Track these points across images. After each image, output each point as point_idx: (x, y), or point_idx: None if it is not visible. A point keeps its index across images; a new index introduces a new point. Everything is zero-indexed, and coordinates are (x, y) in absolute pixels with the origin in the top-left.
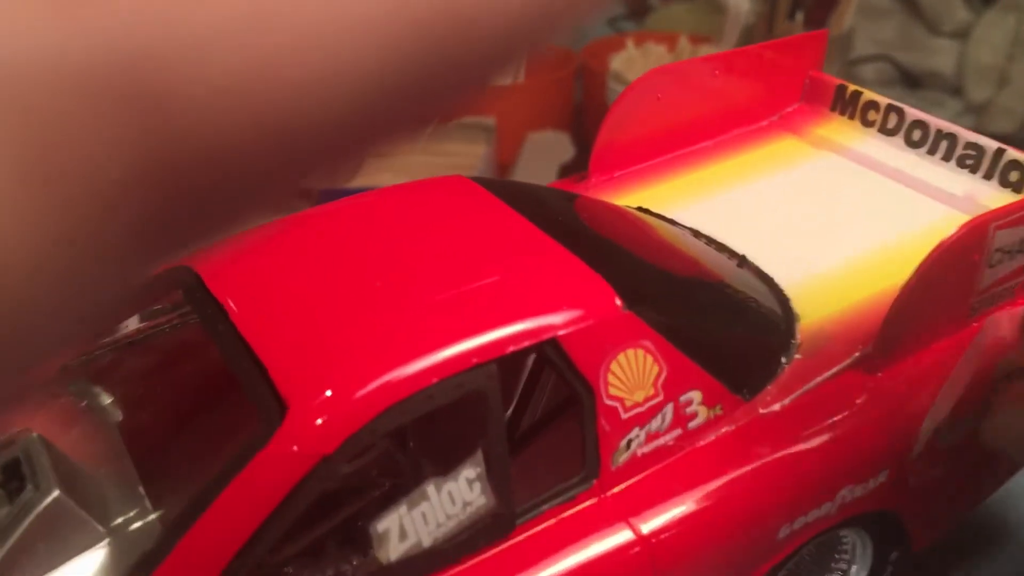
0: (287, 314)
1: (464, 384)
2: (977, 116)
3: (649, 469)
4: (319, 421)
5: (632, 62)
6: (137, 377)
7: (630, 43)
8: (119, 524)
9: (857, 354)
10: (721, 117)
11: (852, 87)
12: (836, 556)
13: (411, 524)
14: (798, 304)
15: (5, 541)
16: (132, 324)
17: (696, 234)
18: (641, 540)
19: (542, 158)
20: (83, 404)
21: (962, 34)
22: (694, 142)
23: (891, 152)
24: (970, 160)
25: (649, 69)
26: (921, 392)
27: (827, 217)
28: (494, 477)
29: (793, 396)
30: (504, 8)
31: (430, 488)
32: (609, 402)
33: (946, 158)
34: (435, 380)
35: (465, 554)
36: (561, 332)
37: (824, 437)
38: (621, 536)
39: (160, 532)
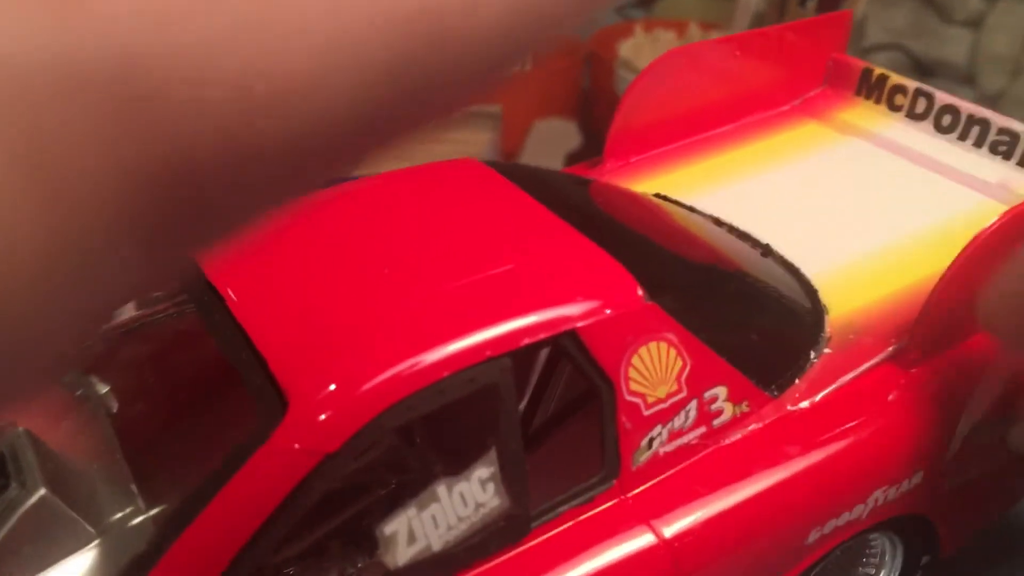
0: (289, 304)
1: (476, 378)
2: (991, 106)
3: (672, 469)
4: (322, 417)
5: (641, 49)
6: (132, 367)
7: (639, 30)
8: (110, 524)
9: (891, 348)
10: (741, 101)
11: (878, 70)
12: (864, 560)
13: (420, 526)
14: (827, 296)
15: None
16: (128, 311)
17: (718, 222)
18: (664, 544)
19: (548, 146)
20: (76, 394)
21: (976, 23)
22: (713, 127)
23: (920, 138)
24: (1003, 146)
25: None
26: (958, 389)
27: (854, 205)
28: (508, 477)
29: (823, 392)
30: (489, 13)
31: (440, 488)
32: (630, 398)
33: (978, 144)
34: (446, 374)
35: (477, 558)
36: (580, 324)
37: (856, 436)
38: (643, 540)
39: (153, 533)
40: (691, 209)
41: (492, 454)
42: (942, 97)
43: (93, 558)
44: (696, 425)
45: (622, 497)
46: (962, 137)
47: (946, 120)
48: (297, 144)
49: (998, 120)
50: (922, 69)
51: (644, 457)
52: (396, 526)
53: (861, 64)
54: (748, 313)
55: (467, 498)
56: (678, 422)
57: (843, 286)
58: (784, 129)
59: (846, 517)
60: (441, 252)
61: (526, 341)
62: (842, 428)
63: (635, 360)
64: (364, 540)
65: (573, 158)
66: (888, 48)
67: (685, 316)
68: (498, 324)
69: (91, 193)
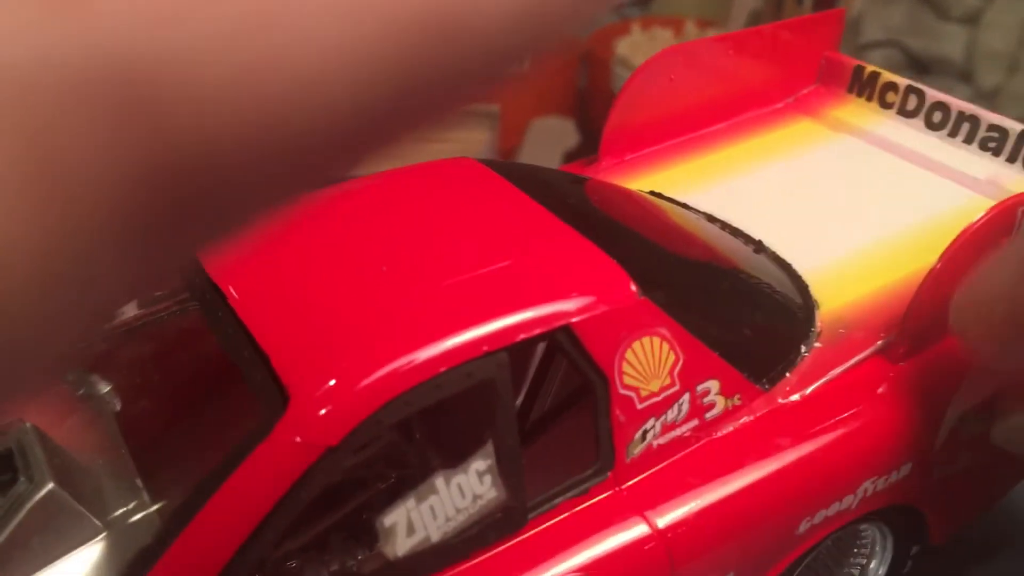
0: (290, 300)
1: (474, 373)
2: (987, 103)
3: (665, 461)
4: (323, 411)
5: (638, 47)
6: (136, 365)
7: (636, 28)
8: (116, 517)
9: (880, 342)
10: (735, 99)
11: (870, 68)
12: (855, 551)
13: (419, 518)
14: (817, 291)
15: None
16: (130, 311)
17: (711, 219)
18: (657, 534)
19: (546, 145)
20: (79, 393)
21: (972, 19)
22: (707, 124)
23: (911, 135)
24: (993, 143)
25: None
26: (946, 382)
27: (846, 202)
28: (505, 469)
29: (814, 386)
30: (497, 10)
31: (439, 481)
32: (624, 392)
33: (968, 140)
34: (443, 369)
35: (475, 549)
36: (575, 319)
37: (846, 428)
38: (636, 530)
39: (158, 526)
40: (685, 206)
41: (489, 447)
42: (933, 94)
43: (100, 551)
44: (689, 418)
45: (616, 489)
46: (952, 134)
47: (937, 117)
48: (298, 143)
49: (988, 117)
50: (919, 66)
51: (638, 449)
52: (395, 518)
53: (853, 62)
54: (740, 308)
55: (465, 490)
56: (671, 415)
57: (834, 281)
58: (777, 127)
59: (836, 508)
60: (438, 249)
61: (522, 336)
62: (832, 420)
63: (629, 354)
64: (364, 532)
65: (570, 156)
66: (885, 45)
67: (678, 311)
68: (494, 320)
69: (89, 193)
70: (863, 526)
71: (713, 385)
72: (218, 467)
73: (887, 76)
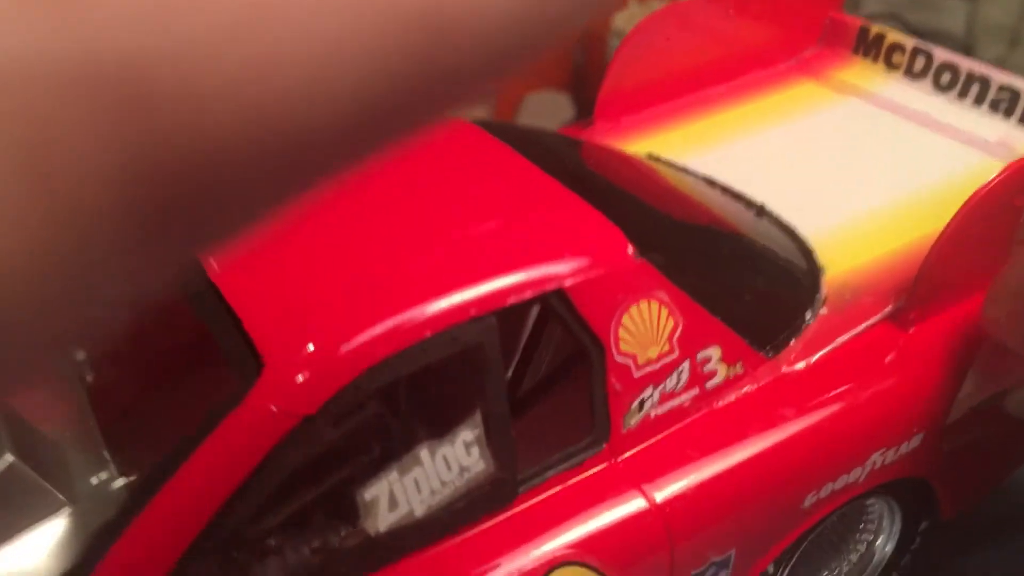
0: (268, 265)
1: (460, 338)
2: None
3: (663, 432)
4: (300, 378)
5: (634, 20)
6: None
7: (633, 2)
8: (82, 491)
9: (888, 308)
10: (734, 60)
11: (876, 28)
12: (861, 526)
13: (402, 492)
14: (823, 256)
15: None
16: None
17: (710, 182)
18: (655, 509)
19: (541, 119)
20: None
21: None
22: (706, 86)
23: (918, 96)
24: (1004, 104)
25: None
26: (958, 349)
27: (852, 165)
28: (494, 440)
29: (820, 353)
30: (497, 9)
31: (423, 452)
32: (620, 359)
33: (978, 102)
34: (428, 334)
35: (462, 524)
36: (568, 282)
37: (854, 397)
38: (633, 504)
39: (126, 498)
40: (683, 169)
41: (477, 416)
42: (940, 55)
43: (64, 525)
44: (688, 387)
45: (613, 461)
46: (962, 95)
47: (945, 78)
48: (297, 140)
49: (998, 77)
50: (918, 39)
51: (635, 420)
52: (377, 491)
53: (858, 22)
54: (741, 273)
55: (451, 462)
56: (670, 384)
57: (840, 246)
58: (780, 89)
59: (843, 481)
60: (428, 212)
61: (512, 300)
62: (839, 390)
63: (625, 319)
64: (344, 507)
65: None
66: (884, 18)
67: (677, 275)
68: (483, 283)
69: (85, 186)
70: (870, 501)
71: (714, 352)
72: (189, 438)
73: (893, 37)
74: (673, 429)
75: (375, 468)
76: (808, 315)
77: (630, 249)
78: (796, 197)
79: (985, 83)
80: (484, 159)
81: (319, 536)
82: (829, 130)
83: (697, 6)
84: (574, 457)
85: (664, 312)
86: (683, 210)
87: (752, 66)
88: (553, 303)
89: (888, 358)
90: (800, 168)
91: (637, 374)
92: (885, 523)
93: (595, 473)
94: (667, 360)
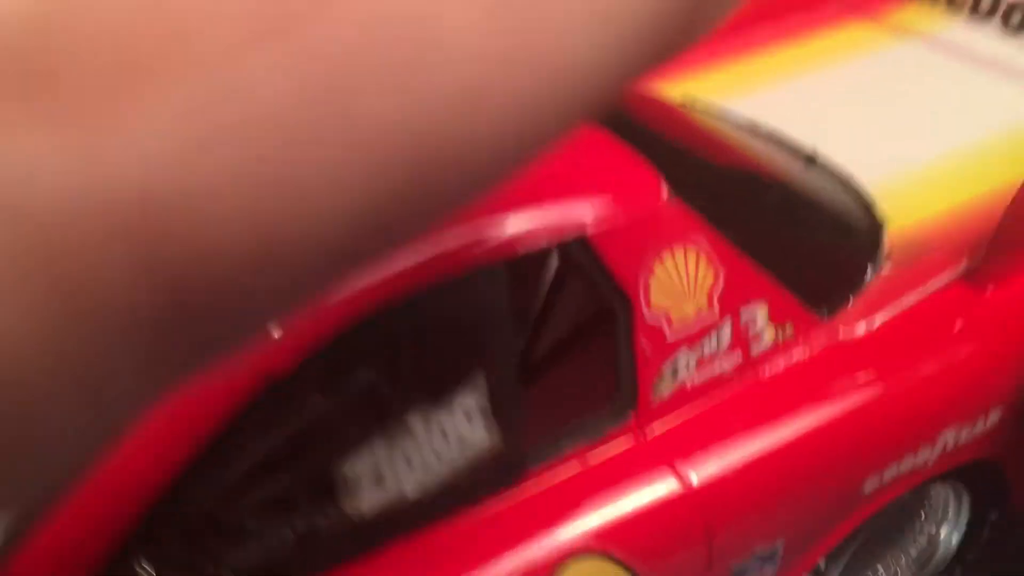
0: None
1: (461, 292)
2: None
3: (700, 403)
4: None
5: None
6: None
7: None
8: None
9: (962, 265)
10: None
11: None
12: (922, 515)
13: (389, 467)
14: (885, 207)
15: None
16: None
17: (753, 128)
18: (689, 492)
19: None
20: None
21: None
22: (750, 26)
23: (985, 39)
24: None
25: None
26: None
27: (912, 111)
28: (499, 408)
29: (883, 315)
30: (490, 141)
31: (415, 421)
32: (650, 316)
33: None
34: (424, 286)
35: (460, 505)
36: (591, 230)
37: (923, 367)
38: (665, 486)
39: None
40: (723, 114)
41: (480, 381)
42: None
43: None
44: (730, 351)
45: (640, 435)
46: None
47: (1016, 18)
48: (298, 260)
49: None
50: None
51: (667, 388)
52: (359, 467)
53: None
54: (790, 224)
55: (448, 433)
56: (708, 347)
57: (904, 197)
58: (830, 30)
59: (910, 463)
60: None
61: (522, 248)
62: (905, 358)
63: (657, 270)
64: (321, 485)
65: None
66: None
67: (718, 222)
68: (490, 228)
69: (105, 311)
70: (935, 487)
71: (760, 311)
72: None
73: None
74: (712, 400)
75: (358, 440)
76: (868, 272)
77: (664, 191)
78: (851, 145)
79: None
80: None
81: (296, 519)
82: (886, 74)
83: None
84: (594, 430)
85: (703, 263)
86: (723, 155)
87: (800, 4)
88: (575, 253)
89: (961, 322)
90: (855, 114)
91: (670, 335)
92: (950, 512)
93: (619, 449)
94: (705, 319)
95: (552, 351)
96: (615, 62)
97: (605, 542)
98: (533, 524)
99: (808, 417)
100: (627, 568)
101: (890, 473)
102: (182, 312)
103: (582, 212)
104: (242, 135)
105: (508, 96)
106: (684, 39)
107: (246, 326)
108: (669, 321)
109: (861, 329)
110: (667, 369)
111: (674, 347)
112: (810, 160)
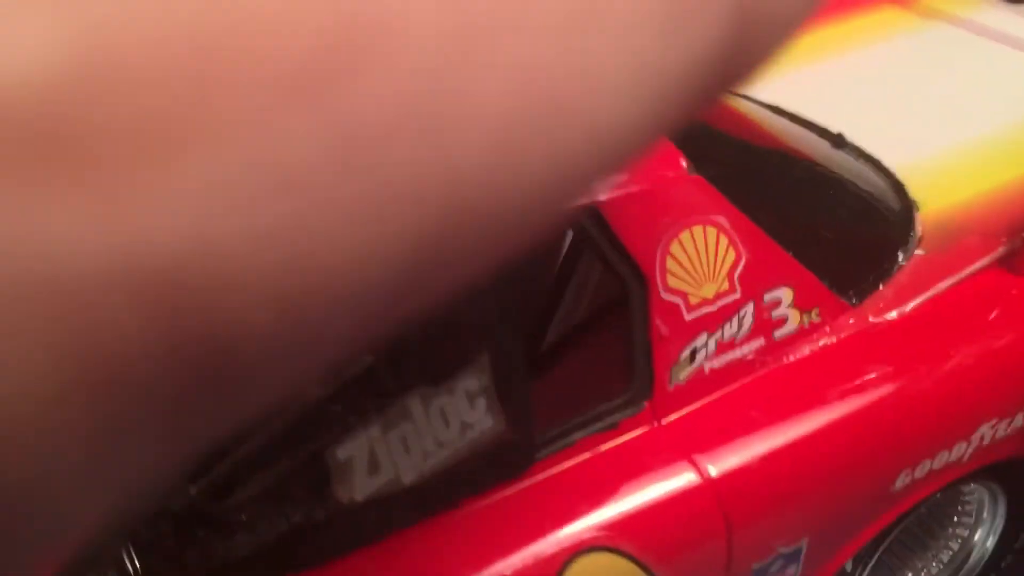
0: None
1: None
2: None
3: (721, 390)
4: None
5: None
6: None
7: None
8: None
9: (1000, 250)
10: None
11: None
12: (955, 518)
13: (386, 452)
14: (917, 190)
15: None
16: None
17: (777, 110)
18: (708, 484)
19: None
20: None
21: None
22: None
23: (1017, 21)
24: None
25: None
26: None
27: (944, 92)
28: (506, 392)
29: (916, 301)
30: (512, 193)
31: (414, 403)
32: (668, 296)
33: None
34: None
35: (464, 496)
36: (604, 197)
37: (958, 356)
38: (681, 478)
39: None
40: (744, 96)
41: (484, 362)
42: None
43: None
44: (753, 336)
45: (656, 423)
46: None
47: None
48: (325, 329)
49: None
50: None
51: (685, 373)
52: (354, 452)
53: None
54: (818, 206)
55: (450, 417)
56: (729, 331)
57: (937, 179)
58: (857, 13)
59: (944, 459)
60: None
61: None
62: (939, 346)
63: (675, 248)
64: (313, 472)
65: None
66: None
67: (742, 202)
68: None
69: (124, 376)
70: (969, 486)
71: (785, 295)
72: None
73: None
74: (732, 387)
75: (354, 425)
76: (900, 256)
77: (684, 162)
78: (881, 127)
79: None
80: None
81: (289, 509)
82: (916, 55)
83: None
84: (607, 417)
85: (724, 241)
86: (748, 134)
87: None
88: (585, 224)
89: (999, 309)
90: (884, 96)
91: (688, 317)
92: (986, 514)
93: (633, 438)
94: (726, 301)
95: (563, 331)
96: (654, 117)
97: (616, 536)
98: (539, 517)
99: (835, 407)
100: (640, 564)
101: (922, 469)
102: (203, 386)
103: None
104: (271, 202)
105: (545, 155)
106: (723, 88)
107: (270, 402)
108: (687, 302)
109: (892, 315)
110: (685, 353)
111: (693, 330)
112: (838, 141)
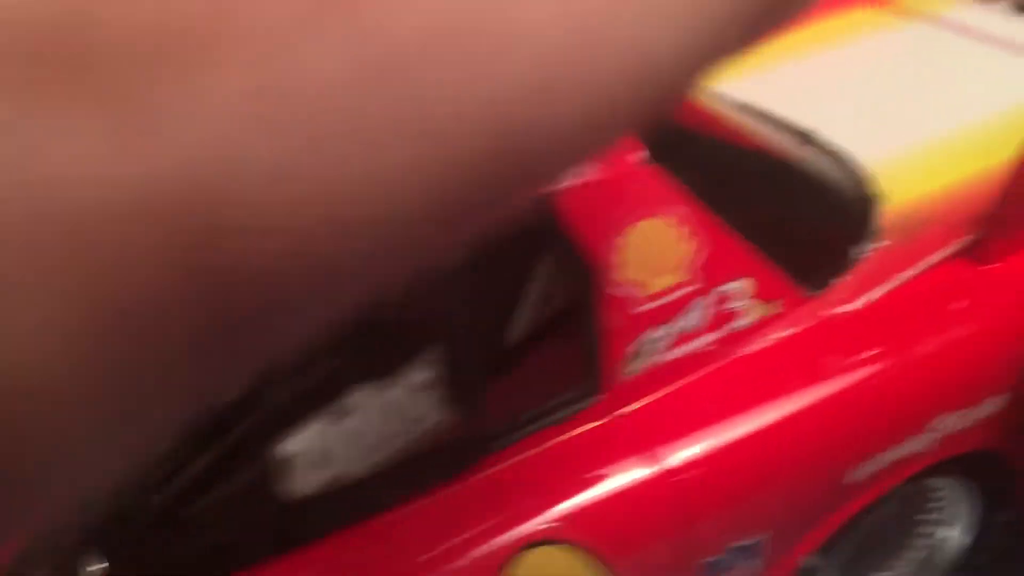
0: None
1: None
2: None
3: (676, 382)
4: None
5: None
6: None
7: None
8: None
9: (962, 240)
10: None
11: None
12: (924, 515)
13: (334, 446)
14: (885, 184)
15: None
16: None
17: (744, 107)
18: (664, 476)
19: None
20: None
21: None
22: None
23: (993, 19)
24: None
25: None
26: None
27: (915, 90)
28: (458, 384)
29: (876, 292)
30: (568, 107)
31: (359, 397)
32: (620, 288)
33: None
34: None
35: (414, 490)
36: (557, 187)
37: (916, 347)
38: (635, 471)
39: None
40: (711, 93)
41: (431, 355)
42: None
43: None
44: (710, 328)
45: (610, 416)
46: None
47: None
48: (355, 263)
49: None
50: None
51: (639, 365)
52: (299, 447)
53: None
54: (779, 198)
55: (399, 410)
56: (686, 322)
57: (905, 173)
58: (834, 13)
59: (900, 451)
60: None
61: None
62: (900, 336)
63: (629, 239)
64: (257, 467)
65: None
66: None
67: (701, 194)
68: None
69: (141, 313)
70: (938, 482)
71: (744, 286)
72: None
73: None
74: (688, 379)
75: (299, 418)
76: (860, 247)
77: (640, 153)
78: (852, 124)
79: None
80: None
81: (233, 506)
82: (890, 53)
83: None
84: (560, 411)
85: (681, 233)
86: (711, 128)
87: None
88: (539, 214)
89: (961, 300)
90: (856, 94)
91: (643, 308)
92: (959, 510)
93: (588, 430)
94: (682, 292)
95: (517, 326)
96: (701, 50)
97: (567, 529)
98: (491, 510)
99: (792, 398)
100: (594, 556)
101: (878, 462)
102: (218, 329)
103: None
104: (297, 122)
105: (587, 87)
106: (768, 24)
107: (292, 338)
108: (641, 293)
109: (854, 306)
110: (638, 346)
111: (646, 322)
112: (805, 138)
